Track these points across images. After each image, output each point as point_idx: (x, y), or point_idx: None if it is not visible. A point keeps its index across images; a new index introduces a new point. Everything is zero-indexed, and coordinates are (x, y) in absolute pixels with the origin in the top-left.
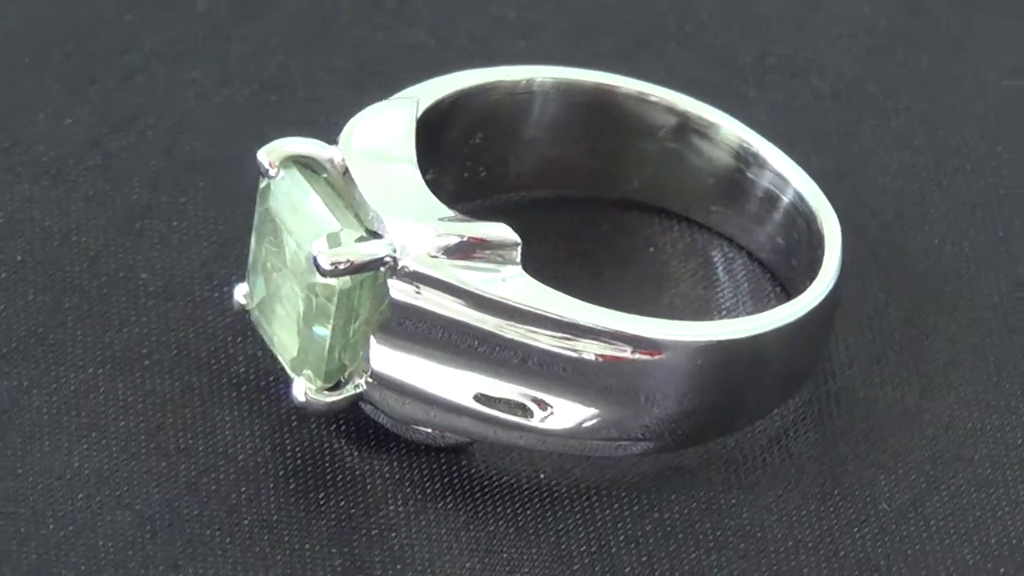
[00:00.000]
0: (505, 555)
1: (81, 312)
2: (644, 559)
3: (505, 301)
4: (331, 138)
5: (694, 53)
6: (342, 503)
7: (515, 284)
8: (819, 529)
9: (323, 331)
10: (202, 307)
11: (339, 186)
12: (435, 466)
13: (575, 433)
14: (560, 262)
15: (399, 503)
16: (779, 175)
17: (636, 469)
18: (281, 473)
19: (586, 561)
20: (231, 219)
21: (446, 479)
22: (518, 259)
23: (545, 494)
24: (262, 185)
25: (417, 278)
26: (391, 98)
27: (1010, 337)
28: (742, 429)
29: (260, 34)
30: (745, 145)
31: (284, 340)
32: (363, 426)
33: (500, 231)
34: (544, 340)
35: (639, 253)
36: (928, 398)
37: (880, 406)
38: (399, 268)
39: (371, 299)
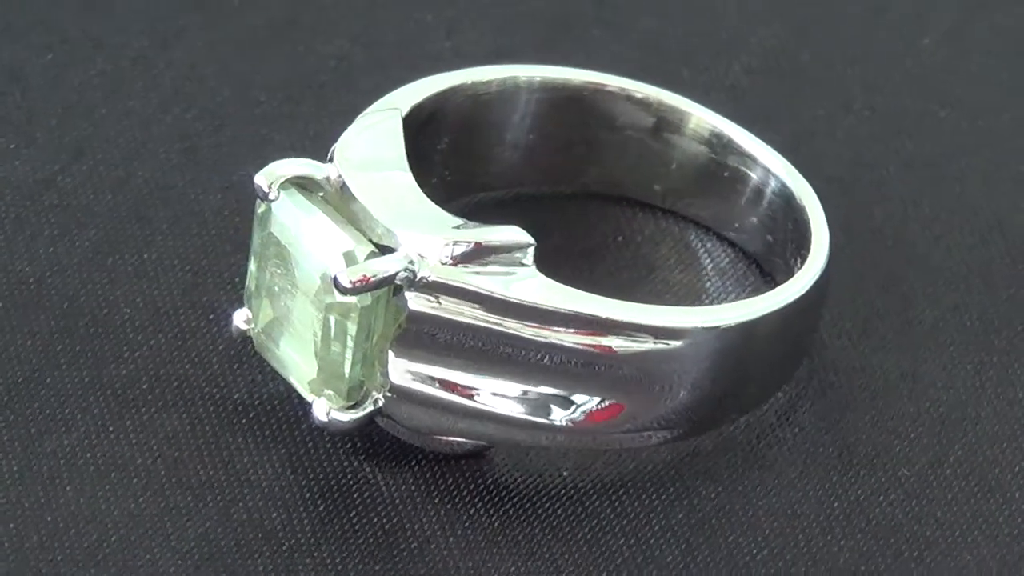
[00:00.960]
0: (547, 556)
1: (73, 353)
2: (683, 547)
3: (525, 302)
4: (287, 155)
5: (618, 38)
6: (375, 520)
7: (532, 284)
8: (846, 500)
9: (344, 349)
10: (192, 336)
11: (337, 203)
12: (458, 474)
13: (598, 428)
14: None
15: (431, 514)
16: (753, 159)
17: (655, 459)
18: (308, 496)
19: (626, 555)
20: (200, 246)
21: (471, 486)
22: (532, 260)
23: (572, 492)
24: (260, 210)
25: (435, 288)
26: (372, 110)
27: (988, 292)
28: (751, 411)
29: (186, 59)
30: (717, 132)
31: (299, 362)
32: (377, 441)
33: (513, 234)
34: (566, 338)
35: (608, 243)
36: (922, 361)
37: (877, 373)
38: (417, 280)
39: (385, 313)
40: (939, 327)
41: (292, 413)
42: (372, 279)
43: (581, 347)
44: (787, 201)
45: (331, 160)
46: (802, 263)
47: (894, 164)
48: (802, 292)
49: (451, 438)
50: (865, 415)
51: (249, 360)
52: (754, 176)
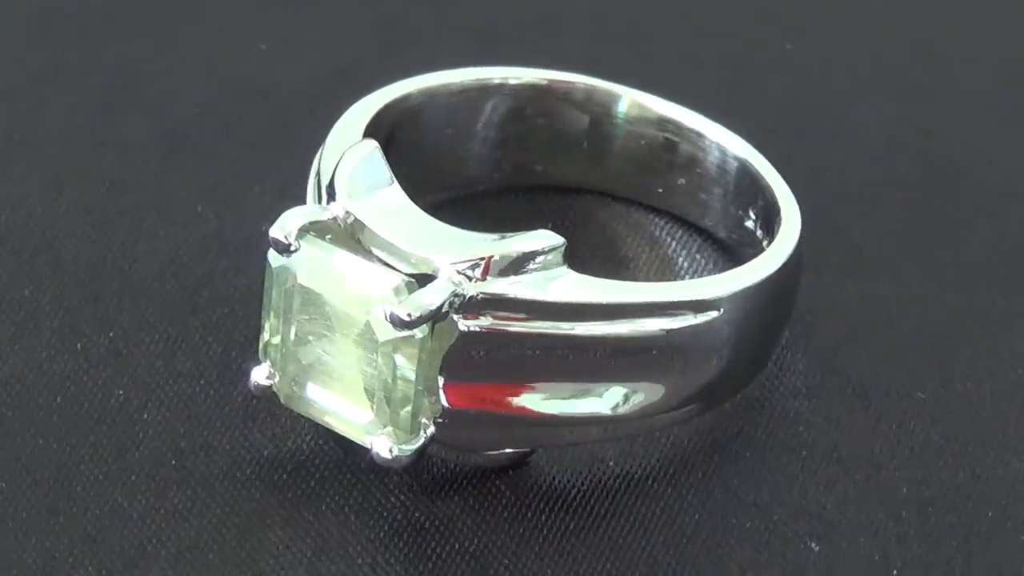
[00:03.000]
0: (636, 547)
1: (88, 443)
2: (754, 510)
3: (572, 302)
4: (195, 209)
5: (458, 34)
6: (457, 547)
7: (570, 282)
8: (881, 434)
9: (401, 383)
10: (194, 404)
11: (349, 242)
12: (512, 484)
13: (644, 412)
14: None
15: (507, 530)
16: (700, 134)
17: (686, 431)
18: (383, 536)
19: (708, 531)
20: (159, 314)
21: (530, 494)
22: (564, 259)
23: (626, 480)
24: (277, 263)
25: (483, 305)
26: (343, 142)
27: (912, 207)
28: (762, 371)
29: (53, 130)
30: (665, 117)
31: (345, 406)
32: (418, 469)
33: (546, 238)
34: (616, 328)
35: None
36: (884, 287)
37: (848, 306)
38: (467, 300)
39: (434, 340)
40: (884, 252)
41: (328, 459)
42: (429, 309)
43: (631, 334)
44: (723, 156)
45: (330, 200)
46: (759, 220)
47: (765, 103)
48: (795, 245)
49: (498, 451)
50: (857, 349)
51: (262, 417)
52: (686, 144)
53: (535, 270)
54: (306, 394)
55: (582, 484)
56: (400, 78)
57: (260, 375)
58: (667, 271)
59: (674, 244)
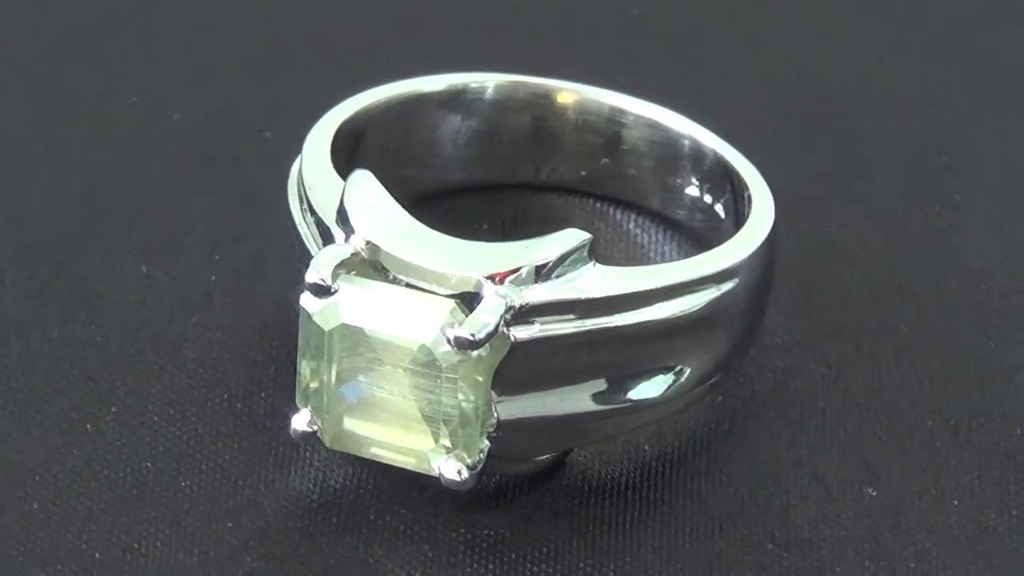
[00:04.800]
0: (703, 524)
1: (140, 520)
2: (800, 467)
3: (612, 294)
4: (141, 270)
5: (333, 52)
6: (535, 553)
7: (602, 276)
8: (887, 374)
9: (468, 404)
10: (224, 463)
11: (374, 273)
12: (564, 484)
13: (681, 390)
14: None
15: (577, 529)
16: (622, 110)
17: (703, 403)
18: (461, 557)
19: (766, 493)
20: (155, 381)
21: (584, 491)
22: (590, 255)
23: (667, 460)
24: (314, 308)
25: (531, 313)
26: (322, 174)
27: (818, 150)
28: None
29: None
30: (618, 108)
31: (401, 437)
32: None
33: (575, 236)
34: (651, 314)
35: (478, 232)
36: (826, 230)
37: (799, 254)
38: (518, 311)
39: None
40: (810, 197)
41: (378, 494)
42: (491, 327)
43: (662, 318)
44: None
45: (347, 235)
46: (706, 185)
47: (634, 71)
48: (773, 200)
49: (546, 455)
50: (826, 294)
51: (294, 463)
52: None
53: (567, 270)
54: (356, 432)
55: (628, 472)
56: (278, 106)
57: (301, 422)
58: (630, 249)
59: (620, 223)
